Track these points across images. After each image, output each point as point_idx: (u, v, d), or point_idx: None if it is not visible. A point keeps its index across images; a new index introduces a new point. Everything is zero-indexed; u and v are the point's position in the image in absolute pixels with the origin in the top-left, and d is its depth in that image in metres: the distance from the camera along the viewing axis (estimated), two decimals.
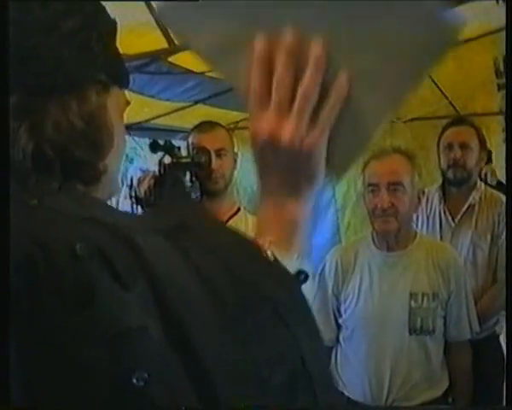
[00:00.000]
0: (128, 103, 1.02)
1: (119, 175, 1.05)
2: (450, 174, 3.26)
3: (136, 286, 0.76)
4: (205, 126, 2.67)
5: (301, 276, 0.89)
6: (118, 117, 0.98)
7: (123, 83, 0.99)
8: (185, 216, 0.89)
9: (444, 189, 3.35)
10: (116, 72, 0.96)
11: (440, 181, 3.44)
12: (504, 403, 1.67)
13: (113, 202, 5.16)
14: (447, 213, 3.26)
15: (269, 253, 0.84)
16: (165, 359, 0.75)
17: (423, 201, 3.12)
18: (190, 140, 2.63)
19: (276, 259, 0.84)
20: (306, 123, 0.84)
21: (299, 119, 0.83)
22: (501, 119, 4.60)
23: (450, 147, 3.25)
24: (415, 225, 3.03)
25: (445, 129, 3.37)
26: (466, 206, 3.20)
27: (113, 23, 0.98)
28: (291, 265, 0.87)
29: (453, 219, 3.23)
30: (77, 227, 0.80)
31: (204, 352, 0.75)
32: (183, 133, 4.83)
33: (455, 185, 3.28)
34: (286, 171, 0.88)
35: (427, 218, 3.31)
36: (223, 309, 0.78)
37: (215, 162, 2.54)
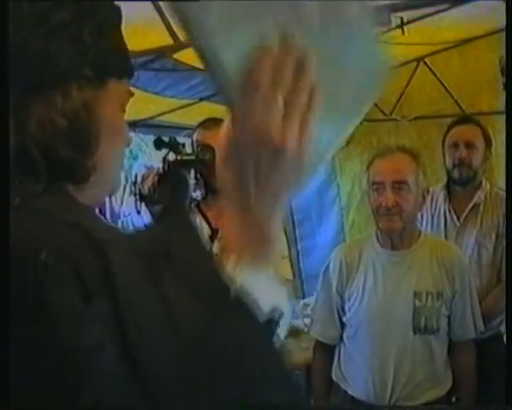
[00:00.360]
0: (131, 95, 0.99)
1: (118, 172, 1.02)
2: (455, 173, 3.25)
3: (99, 302, 0.75)
4: (209, 123, 2.65)
5: (275, 316, 0.82)
6: (115, 111, 0.95)
7: (122, 74, 0.96)
8: (172, 243, 0.86)
9: (449, 188, 3.34)
10: (115, 63, 0.93)
11: (445, 180, 3.43)
12: (505, 403, 1.66)
13: (117, 199, 5.17)
14: (452, 212, 3.25)
15: (242, 295, 0.80)
16: (117, 380, 0.74)
17: (428, 200, 3.11)
18: (195, 137, 2.62)
19: (245, 305, 0.80)
20: (301, 130, 0.81)
21: (297, 124, 0.80)
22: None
23: (455, 146, 3.25)
24: (419, 224, 3.02)
25: (450, 128, 3.36)
26: (471, 205, 3.20)
27: (114, 11, 0.95)
28: (265, 305, 0.82)
29: (458, 219, 3.22)
30: (56, 231, 0.79)
31: (158, 380, 0.74)
32: (188, 130, 4.83)
33: (460, 184, 3.27)
34: (273, 178, 0.81)
35: (432, 217, 3.30)
36: (181, 342, 0.77)
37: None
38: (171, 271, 0.81)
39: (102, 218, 0.94)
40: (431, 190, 3.27)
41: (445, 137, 3.36)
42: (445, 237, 3.20)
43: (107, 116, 0.93)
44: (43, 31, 0.86)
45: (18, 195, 0.82)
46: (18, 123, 0.85)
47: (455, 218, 3.23)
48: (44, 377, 0.72)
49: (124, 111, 0.99)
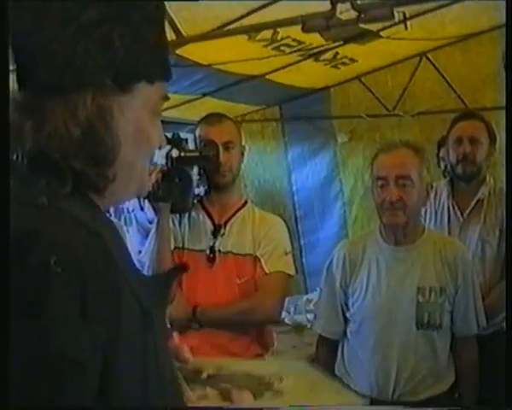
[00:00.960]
0: (166, 98, 0.95)
1: (145, 175, 0.97)
2: (459, 169, 3.22)
3: (97, 322, 0.75)
4: (212, 119, 2.64)
5: None
6: (143, 116, 0.91)
7: (155, 77, 0.91)
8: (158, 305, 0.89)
9: (452, 183, 3.32)
10: (145, 66, 0.88)
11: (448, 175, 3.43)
12: (505, 403, 1.66)
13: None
14: (456, 207, 3.23)
15: None
16: (88, 401, 0.75)
17: (432, 195, 3.10)
18: (198, 133, 2.60)
19: None
20: None
21: None
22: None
23: (459, 141, 3.21)
24: (423, 220, 3.02)
25: (454, 123, 3.32)
26: (474, 201, 3.18)
27: (159, 8, 0.91)
28: None
29: (462, 214, 3.21)
30: (75, 234, 0.78)
31: None
32: (191, 126, 4.83)
33: (464, 180, 3.24)
34: None
35: (436, 212, 3.28)
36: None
37: (223, 155, 2.52)
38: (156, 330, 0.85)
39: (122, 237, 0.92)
40: (434, 185, 3.27)
41: (448, 133, 3.32)
42: (449, 232, 3.19)
43: (134, 120, 0.89)
44: (71, 30, 0.82)
45: (44, 194, 0.80)
46: (36, 124, 0.82)
47: (458, 213, 3.21)
48: (30, 379, 0.73)
49: (156, 114, 0.94)
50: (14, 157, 0.81)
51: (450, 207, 3.25)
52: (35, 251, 0.74)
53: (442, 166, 4.29)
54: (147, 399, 0.81)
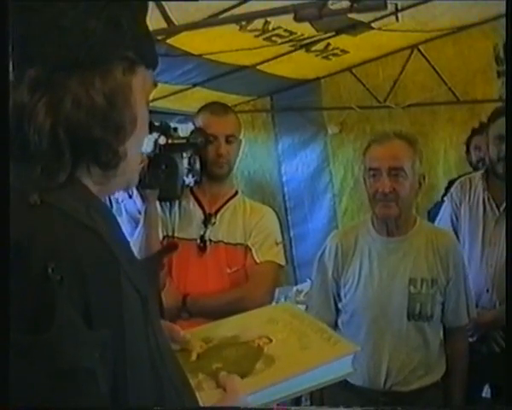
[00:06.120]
0: (155, 86, 0.98)
1: (138, 164, 0.99)
2: (499, 168, 3.00)
3: (102, 329, 0.75)
4: (218, 109, 2.60)
5: None
6: (142, 99, 0.93)
7: (151, 63, 0.94)
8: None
9: (487, 175, 3.15)
10: (144, 51, 0.91)
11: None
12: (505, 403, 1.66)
13: None
14: (491, 200, 3.09)
15: None
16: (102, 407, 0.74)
17: (467, 187, 3.08)
18: (201, 121, 2.57)
19: None
20: None
21: None
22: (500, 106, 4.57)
23: (502, 139, 2.94)
24: (458, 212, 3.02)
25: (495, 116, 3.07)
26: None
27: (146, 2, 0.94)
28: None
29: (498, 208, 3.06)
30: (71, 235, 0.77)
31: None
32: (181, 116, 4.82)
33: (503, 179, 2.96)
34: None
35: (470, 204, 3.14)
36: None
37: (224, 148, 2.51)
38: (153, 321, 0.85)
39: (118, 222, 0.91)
40: (469, 176, 3.21)
41: (488, 125, 3.11)
42: (483, 225, 3.07)
43: (137, 104, 0.91)
44: (80, 8, 0.83)
45: (37, 188, 0.79)
46: (52, 101, 0.82)
47: (494, 206, 3.07)
48: (42, 394, 0.72)
49: (148, 100, 0.97)
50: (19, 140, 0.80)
51: (486, 200, 3.10)
52: (31, 259, 0.73)
53: (474, 157, 4.23)
54: (159, 395, 0.81)
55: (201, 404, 0.94)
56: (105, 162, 0.86)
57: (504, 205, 3.01)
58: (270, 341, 1.25)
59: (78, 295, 0.73)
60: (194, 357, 1.21)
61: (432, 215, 3.66)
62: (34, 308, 0.72)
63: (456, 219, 3.16)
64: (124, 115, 0.87)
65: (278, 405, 1.20)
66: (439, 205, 3.59)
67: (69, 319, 0.72)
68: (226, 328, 1.34)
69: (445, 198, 3.38)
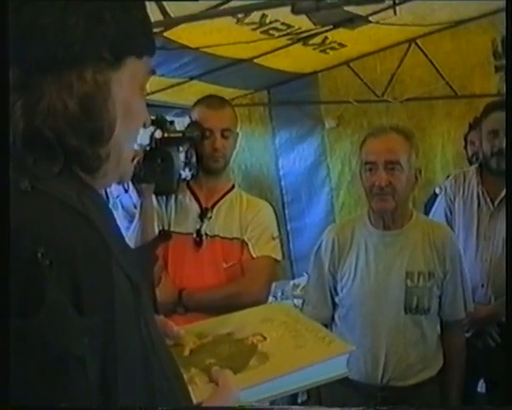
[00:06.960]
0: (153, 72, 0.95)
1: (131, 156, 0.96)
2: (493, 163, 3.00)
3: (92, 316, 0.74)
4: (214, 103, 2.59)
5: None
6: (133, 91, 0.90)
7: (143, 51, 0.90)
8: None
9: (481, 170, 3.14)
10: (133, 40, 0.88)
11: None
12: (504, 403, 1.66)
13: None
14: (485, 194, 3.07)
15: None
16: (89, 398, 0.73)
17: (461, 180, 3.07)
18: (196, 114, 2.56)
19: None
20: None
21: None
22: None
23: (495, 134, 2.97)
24: (452, 206, 3.01)
25: (488, 111, 3.05)
26: (504, 193, 2.90)
27: None
28: None
29: (492, 202, 3.05)
30: (61, 220, 0.76)
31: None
32: (178, 109, 4.81)
33: (496, 174, 2.99)
34: None
35: (464, 198, 3.14)
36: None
37: (219, 142, 2.50)
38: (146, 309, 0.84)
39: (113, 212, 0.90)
40: (463, 170, 3.20)
41: (481, 121, 3.11)
42: (478, 220, 3.06)
43: (124, 97, 0.88)
44: (60, 3, 0.80)
45: (29, 176, 0.78)
46: (28, 103, 0.80)
47: (488, 200, 3.06)
48: (32, 380, 0.71)
49: (143, 90, 0.94)
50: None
51: (480, 195, 3.09)
52: (20, 244, 0.72)
53: (470, 152, 4.20)
54: (150, 385, 0.80)
55: (193, 398, 0.94)
56: (86, 167, 0.85)
57: (499, 199, 3.01)
58: (265, 339, 1.24)
59: (67, 280, 0.73)
60: (187, 352, 1.20)
61: (428, 209, 3.65)
62: (23, 293, 0.71)
63: (451, 213, 3.16)
64: (102, 120, 0.84)
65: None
66: (433, 198, 3.58)
67: (58, 305, 0.72)
68: (221, 325, 1.34)
69: (437, 190, 3.37)
